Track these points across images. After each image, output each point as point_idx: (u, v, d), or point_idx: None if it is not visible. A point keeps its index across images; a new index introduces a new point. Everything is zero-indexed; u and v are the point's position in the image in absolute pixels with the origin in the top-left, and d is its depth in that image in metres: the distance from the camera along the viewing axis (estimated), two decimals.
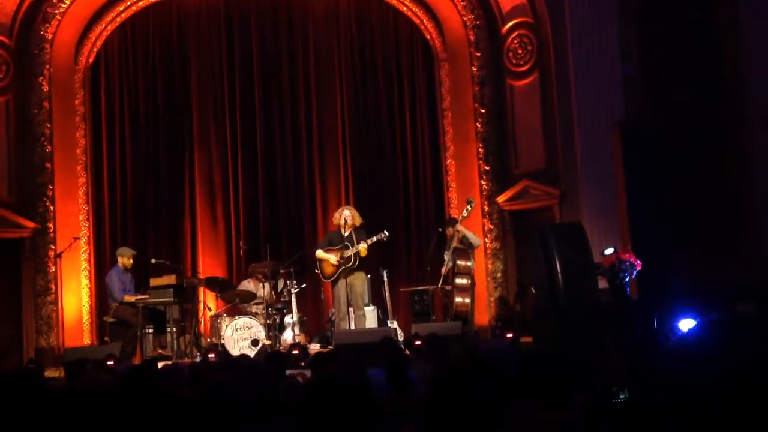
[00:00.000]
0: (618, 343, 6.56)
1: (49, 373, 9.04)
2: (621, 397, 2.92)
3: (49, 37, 11.94)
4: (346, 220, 9.93)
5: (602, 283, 8.61)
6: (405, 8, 12.72)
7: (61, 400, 3.10)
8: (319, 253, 9.95)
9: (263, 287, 10.63)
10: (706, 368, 1.45)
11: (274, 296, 10.64)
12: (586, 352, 6.84)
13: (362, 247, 9.70)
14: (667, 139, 10.06)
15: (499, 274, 11.94)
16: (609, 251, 8.89)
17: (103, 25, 12.42)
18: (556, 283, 7.72)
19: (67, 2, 11.95)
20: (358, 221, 10.04)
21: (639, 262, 8.64)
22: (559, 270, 7.70)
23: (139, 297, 10.19)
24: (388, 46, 12.96)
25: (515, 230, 11.92)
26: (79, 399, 3.06)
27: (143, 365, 5.74)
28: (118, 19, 12.54)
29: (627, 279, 8.67)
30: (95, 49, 12.48)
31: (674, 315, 8.05)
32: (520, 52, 11.90)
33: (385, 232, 9.80)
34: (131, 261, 10.57)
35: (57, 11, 11.93)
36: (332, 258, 9.80)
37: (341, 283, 9.81)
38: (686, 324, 7.86)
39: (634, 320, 8.02)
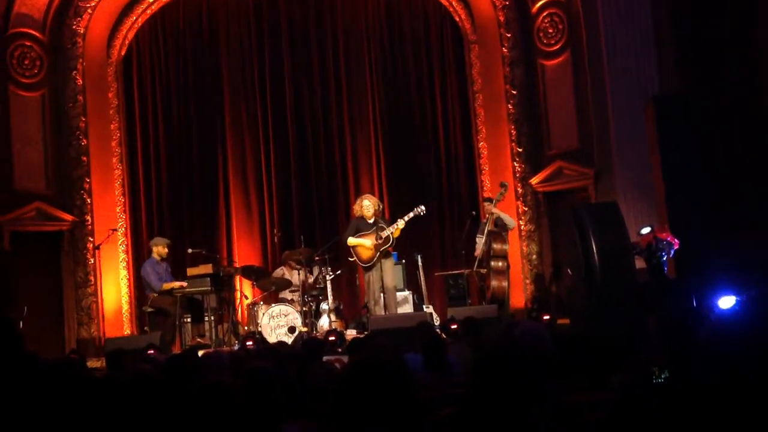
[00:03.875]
0: (657, 322, 6.51)
1: (91, 364, 9.17)
2: (661, 377, 2.90)
3: (82, 31, 12.06)
4: (374, 207, 9.91)
5: (639, 263, 8.52)
6: None
7: (105, 388, 3.16)
8: (351, 240, 9.87)
9: (298, 274, 10.69)
10: (747, 347, 1.43)
11: (310, 283, 10.69)
12: (623, 333, 6.79)
13: (400, 225, 9.63)
14: (703, 114, 9.90)
15: (534, 256, 11.88)
16: (646, 230, 8.78)
17: (134, 18, 12.52)
18: (592, 264, 7.64)
19: None
20: (381, 207, 10.05)
21: (676, 240, 8.53)
22: (595, 251, 7.62)
23: (176, 285, 10.28)
24: (418, 30, 12.90)
25: (550, 212, 11.84)
26: (122, 387, 3.11)
27: (184, 353, 5.80)
28: (149, 11, 12.64)
29: (664, 258, 8.55)
30: (127, 42, 12.58)
31: (713, 293, 7.94)
32: (550, 31, 11.77)
33: (422, 206, 9.74)
34: (166, 250, 10.65)
35: (88, 5, 12.03)
36: (367, 242, 9.76)
37: (375, 267, 9.79)
38: (725, 302, 7.76)
39: (672, 300, 7.93)
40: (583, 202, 10.76)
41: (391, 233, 9.64)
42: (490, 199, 10.53)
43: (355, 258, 9.96)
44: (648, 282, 8.49)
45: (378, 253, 9.71)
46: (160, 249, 10.59)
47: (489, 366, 2.76)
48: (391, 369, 2.48)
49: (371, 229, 9.76)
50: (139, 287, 11.62)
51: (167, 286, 10.28)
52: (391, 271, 9.87)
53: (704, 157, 9.48)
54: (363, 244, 9.78)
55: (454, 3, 12.55)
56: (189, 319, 10.63)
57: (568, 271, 9.06)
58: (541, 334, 4.40)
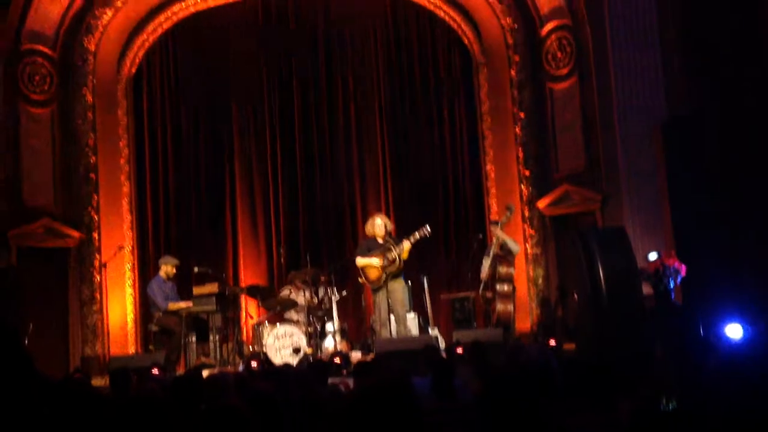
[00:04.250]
0: (664, 349, 6.47)
1: (95, 382, 9.16)
2: (669, 406, 2.88)
3: (93, 49, 12.13)
4: (385, 228, 9.92)
5: (646, 289, 8.50)
6: (442, 13, 12.70)
7: (110, 408, 3.15)
8: (360, 260, 9.87)
9: (303, 294, 10.68)
10: (758, 380, 1.42)
11: (315, 303, 10.67)
12: (630, 359, 6.76)
13: (406, 247, 9.63)
14: (711, 140, 9.91)
15: (540, 280, 11.84)
16: (653, 256, 8.77)
17: (145, 36, 12.59)
18: (599, 288, 7.63)
19: (110, 14, 12.14)
20: (391, 227, 10.06)
21: (683, 266, 8.52)
22: (602, 275, 7.61)
23: (182, 306, 10.28)
24: (426, 51, 12.95)
25: (556, 235, 11.80)
26: (127, 407, 3.10)
27: (189, 374, 5.78)
28: (159, 30, 12.71)
29: (671, 284, 8.54)
30: (137, 60, 12.65)
31: (720, 320, 7.90)
32: (559, 55, 11.81)
33: (427, 227, 9.73)
34: (174, 270, 10.67)
35: (100, 23, 12.11)
36: (375, 261, 9.74)
37: (383, 289, 9.78)
38: (733, 329, 7.72)
39: (679, 326, 7.90)
40: (590, 227, 10.74)
41: (399, 255, 9.64)
42: (496, 222, 10.53)
43: (363, 279, 9.96)
44: (655, 308, 8.47)
45: (385, 275, 9.70)
46: (168, 268, 10.61)
47: (496, 391, 2.76)
48: (400, 395, 2.47)
49: (380, 250, 9.75)
50: (145, 305, 11.61)
51: (173, 306, 10.28)
52: (400, 294, 9.84)
53: (712, 183, 9.48)
54: (371, 265, 9.78)
55: (462, 25, 12.60)
56: (194, 339, 10.61)
57: (575, 295, 9.04)
58: (547, 359, 4.38)
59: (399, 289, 9.82)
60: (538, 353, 4.39)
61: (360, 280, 10.09)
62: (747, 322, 7.67)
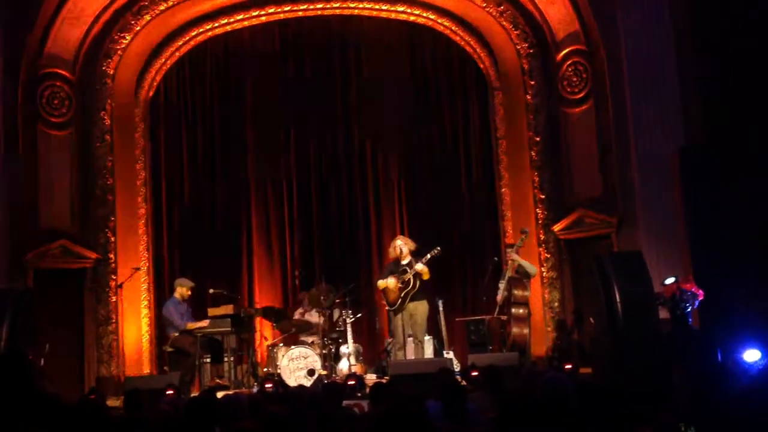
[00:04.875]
0: (682, 374, 6.42)
1: (110, 402, 9.17)
2: None
3: (111, 72, 12.24)
4: (401, 249, 10.03)
5: (663, 314, 8.45)
6: (458, 38, 12.76)
7: (126, 430, 3.15)
8: (379, 282, 10.10)
9: (318, 316, 10.69)
10: None
11: (329, 326, 10.69)
12: (647, 384, 6.70)
13: (419, 267, 9.76)
14: (728, 164, 9.86)
15: (556, 304, 11.79)
16: (670, 281, 8.72)
17: (163, 60, 12.70)
18: (615, 313, 7.59)
19: (128, 38, 12.27)
20: (413, 246, 10.13)
21: (701, 291, 8.45)
22: (618, 300, 7.57)
23: (200, 325, 10.31)
24: (442, 76, 13.00)
25: (572, 259, 11.77)
26: (142, 430, 3.10)
27: (204, 395, 5.78)
28: (177, 54, 12.82)
29: (689, 309, 8.48)
30: (155, 83, 12.75)
31: (738, 345, 7.83)
32: (574, 79, 11.82)
33: (438, 247, 9.85)
34: (189, 292, 10.72)
35: (118, 47, 12.24)
36: (391, 282, 9.85)
37: (401, 312, 9.87)
38: (751, 355, 7.65)
39: (697, 351, 7.83)
40: (607, 252, 10.69)
41: (413, 276, 9.74)
42: (512, 245, 10.54)
43: (385, 301, 10.14)
44: (672, 333, 8.41)
45: (401, 297, 9.80)
46: (183, 291, 10.66)
47: (511, 415, 2.75)
48: (414, 419, 2.47)
49: (397, 273, 9.89)
50: (160, 326, 11.63)
51: (191, 326, 10.31)
52: (420, 318, 9.90)
53: (729, 208, 9.42)
54: (388, 287, 9.90)
55: (478, 50, 12.64)
56: (209, 360, 10.62)
57: (591, 319, 8.99)
58: (563, 383, 4.35)
59: (420, 312, 9.90)
60: (553, 377, 4.37)
61: (383, 302, 10.22)
62: (765, 347, 7.59)
